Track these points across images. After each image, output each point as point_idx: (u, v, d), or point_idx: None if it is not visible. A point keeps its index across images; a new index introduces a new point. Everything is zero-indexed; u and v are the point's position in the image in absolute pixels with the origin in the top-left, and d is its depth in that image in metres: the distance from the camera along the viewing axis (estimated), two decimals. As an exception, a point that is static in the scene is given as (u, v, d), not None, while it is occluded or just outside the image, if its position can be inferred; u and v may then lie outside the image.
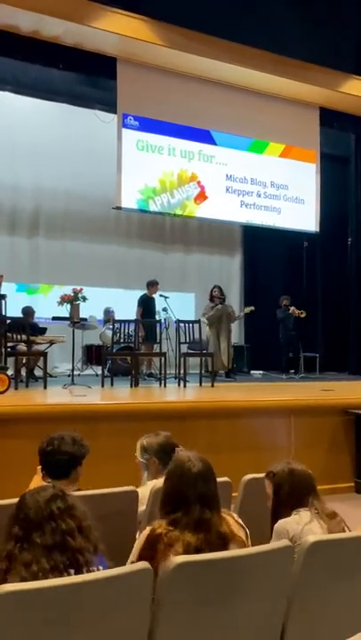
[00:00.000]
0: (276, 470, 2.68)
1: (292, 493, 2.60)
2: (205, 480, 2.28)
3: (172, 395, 7.51)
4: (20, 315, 8.29)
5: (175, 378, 8.40)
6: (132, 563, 2.17)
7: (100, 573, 1.86)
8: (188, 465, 2.28)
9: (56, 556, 1.86)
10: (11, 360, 7.34)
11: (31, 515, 1.91)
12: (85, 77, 9.48)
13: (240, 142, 10.51)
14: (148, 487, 3.04)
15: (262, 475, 2.82)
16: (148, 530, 2.25)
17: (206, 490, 2.26)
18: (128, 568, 1.95)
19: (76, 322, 8.00)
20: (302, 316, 10.27)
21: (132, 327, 8.31)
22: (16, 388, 7.02)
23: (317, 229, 11.16)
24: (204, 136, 10.22)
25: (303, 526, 2.46)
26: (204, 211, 10.35)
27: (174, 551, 2.12)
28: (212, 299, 9.59)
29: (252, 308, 9.97)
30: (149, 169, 9.73)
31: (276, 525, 2.54)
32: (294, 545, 2.26)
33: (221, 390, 7.83)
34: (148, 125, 9.65)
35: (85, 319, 8.87)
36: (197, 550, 2.12)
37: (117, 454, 4.92)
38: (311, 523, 2.48)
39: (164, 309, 9.60)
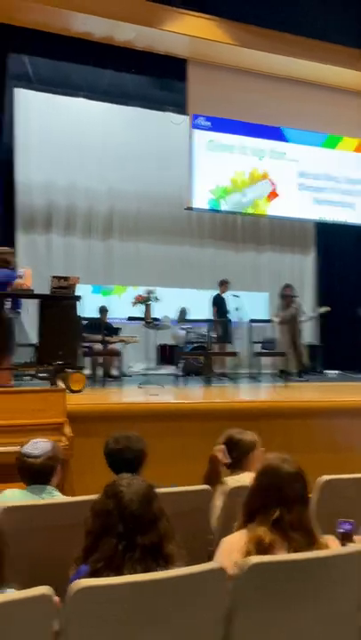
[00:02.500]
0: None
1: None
2: (299, 480, 2.21)
3: (244, 394, 7.47)
4: (97, 316, 8.47)
5: (248, 377, 8.35)
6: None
7: (175, 572, 1.85)
8: (282, 465, 2.22)
9: (150, 563, 1.83)
10: (87, 359, 7.50)
11: (134, 511, 1.87)
12: (156, 80, 9.60)
13: (312, 138, 10.34)
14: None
15: (339, 476, 2.76)
16: (250, 537, 2.14)
17: (302, 490, 2.20)
18: (202, 567, 1.94)
19: (149, 322, 8.09)
20: None
21: (204, 327, 8.32)
22: (92, 387, 7.16)
23: (394, 224, 10.83)
24: (275, 133, 10.11)
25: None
26: (275, 209, 10.24)
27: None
28: (283, 297, 9.46)
29: (328, 308, 9.75)
30: (220, 168, 9.72)
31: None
32: None
33: (295, 390, 7.72)
34: (218, 125, 9.64)
35: (158, 319, 8.96)
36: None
37: (190, 453, 4.93)
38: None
39: (237, 309, 9.56)
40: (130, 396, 6.81)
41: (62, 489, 3.00)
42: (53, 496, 2.75)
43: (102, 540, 1.87)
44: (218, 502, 2.92)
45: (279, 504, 2.14)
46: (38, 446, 2.77)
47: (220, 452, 3.10)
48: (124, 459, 2.89)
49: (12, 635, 1.63)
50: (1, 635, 1.61)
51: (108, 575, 1.79)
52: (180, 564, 1.89)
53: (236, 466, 3.10)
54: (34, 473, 2.75)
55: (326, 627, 2.07)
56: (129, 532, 1.86)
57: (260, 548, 2.08)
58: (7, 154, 9.03)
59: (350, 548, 2.20)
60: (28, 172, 9.79)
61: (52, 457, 2.78)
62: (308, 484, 2.28)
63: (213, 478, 3.04)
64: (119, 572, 1.80)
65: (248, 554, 2.07)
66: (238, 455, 3.11)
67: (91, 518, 1.94)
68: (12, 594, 1.68)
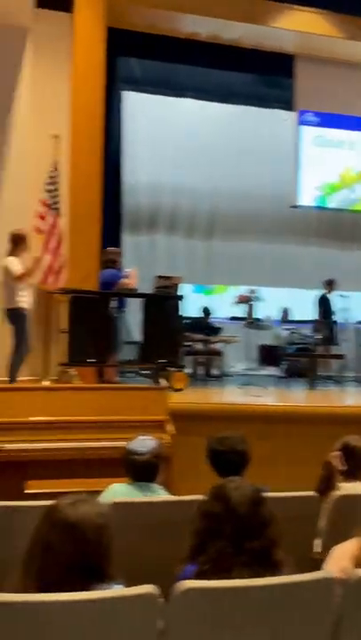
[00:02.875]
0: None
1: None
2: None
3: (350, 399, 7.23)
4: (198, 315, 8.51)
5: (355, 381, 8.08)
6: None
7: (283, 578, 1.80)
8: None
9: (258, 569, 1.80)
10: (189, 359, 7.55)
11: (243, 514, 1.85)
12: (263, 77, 9.51)
13: None
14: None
15: None
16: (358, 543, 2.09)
17: None
18: (311, 576, 1.87)
19: (251, 322, 8.02)
20: None
21: (308, 327, 8.14)
22: (194, 386, 7.20)
23: None
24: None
25: None
26: (387, 205, 9.86)
27: None
28: None
29: None
30: (328, 165, 9.50)
31: None
32: None
33: None
34: (326, 120, 9.43)
35: (260, 319, 8.86)
36: None
37: (291, 457, 4.85)
38: None
39: (343, 310, 9.27)
40: (232, 396, 6.78)
41: (166, 487, 3.02)
42: (158, 494, 2.78)
43: (210, 543, 1.85)
44: (328, 508, 2.83)
45: None
46: (145, 444, 2.83)
47: (336, 458, 2.99)
48: (228, 460, 2.87)
49: (119, 631, 1.64)
50: (108, 630, 1.63)
51: (215, 578, 1.77)
52: (289, 570, 1.84)
53: (352, 474, 2.97)
54: (139, 469, 2.81)
55: None
56: (237, 536, 1.83)
57: None
58: (115, 156, 9.25)
59: None
60: (135, 173, 9.98)
61: (157, 455, 2.84)
62: None
63: (327, 484, 2.94)
64: (227, 576, 1.78)
65: (357, 561, 1.99)
66: (355, 463, 2.98)
67: (198, 520, 1.93)
68: (118, 590, 1.69)
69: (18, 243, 6.19)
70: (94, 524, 1.69)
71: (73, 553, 1.66)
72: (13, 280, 6.04)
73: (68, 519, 1.69)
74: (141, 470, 2.80)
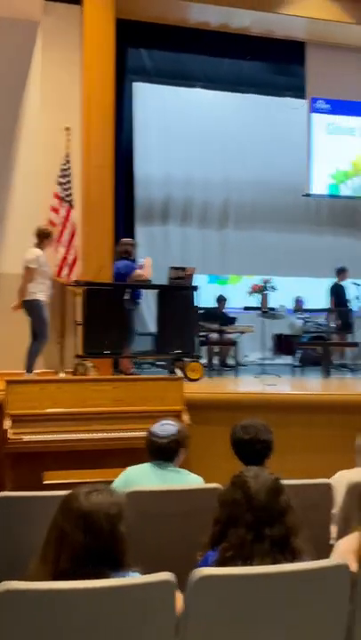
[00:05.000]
0: None
1: None
2: None
3: (365, 387, 7.21)
4: (212, 305, 8.51)
5: (369, 369, 8.06)
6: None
7: (301, 565, 1.82)
8: None
9: (278, 556, 1.83)
10: (203, 349, 7.57)
11: (262, 502, 1.87)
12: (273, 65, 9.45)
13: None
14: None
15: None
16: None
17: None
18: (327, 563, 1.89)
19: (265, 311, 8.01)
20: None
21: (322, 316, 8.12)
22: (209, 377, 7.22)
23: None
24: None
25: None
26: None
27: None
28: None
29: None
30: (341, 152, 9.43)
31: None
32: None
33: None
34: (338, 107, 9.35)
35: (274, 308, 8.85)
36: None
37: (307, 445, 4.85)
38: None
39: (357, 298, 9.23)
40: (247, 385, 6.80)
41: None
42: (177, 471, 2.92)
43: (230, 530, 1.88)
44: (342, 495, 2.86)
45: None
46: (165, 428, 2.97)
47: None
48: (252, 450, 2.89)
49: (137, 618, 1.66)
50: (125, 618, 1.65)
51: (236, 565, 1.80)
52: (308, 558, 1.86)
53: None
54: (157, 451, 2.95)
55: None
56: (257, 524, 1.85)
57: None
58: (127, 148, 9.24)
59: None
60: (147, 164, 9.98)
61: (177, 440, 2.95)
62: None
63: None
64: (249, 563, 1.80)
65: (359, 556, 2.00)
66: None
67: (218, 508, 1.96)
68: (135, 578, 1.71)
69: (43, 238, 6.24)
70: (107, 514, 1.71)
71: (85, 542, 1.68)
72: (24, 270, 6.07)
73: (81, 508, 1.71)
74: (158, 452, 2.94)
